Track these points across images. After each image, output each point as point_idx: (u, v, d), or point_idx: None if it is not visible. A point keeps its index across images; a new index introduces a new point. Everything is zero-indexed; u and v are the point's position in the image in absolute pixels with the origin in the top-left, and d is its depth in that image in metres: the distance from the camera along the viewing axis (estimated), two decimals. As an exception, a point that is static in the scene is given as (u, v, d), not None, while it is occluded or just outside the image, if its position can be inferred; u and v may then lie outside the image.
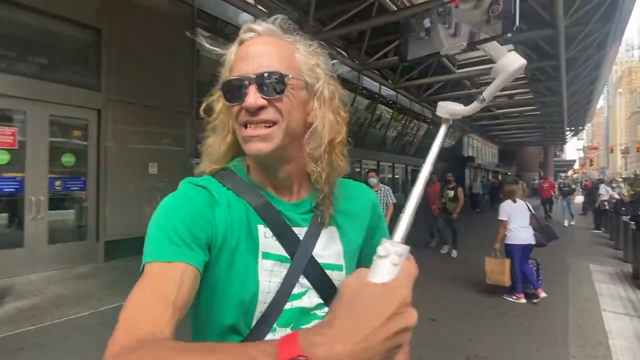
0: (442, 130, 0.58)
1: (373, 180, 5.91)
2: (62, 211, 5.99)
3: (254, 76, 0.67)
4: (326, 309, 0.73)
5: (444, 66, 12.72)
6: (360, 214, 0.87)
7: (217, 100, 0.78)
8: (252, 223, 0.73)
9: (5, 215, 5.32)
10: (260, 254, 0.72)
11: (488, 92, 0.58)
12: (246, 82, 0.68)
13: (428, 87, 15.64)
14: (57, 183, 5.73)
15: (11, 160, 5.24)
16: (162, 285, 0.59)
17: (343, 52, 12.06)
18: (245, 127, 0.70)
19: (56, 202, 5.77)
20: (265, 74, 0.67)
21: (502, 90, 15.86)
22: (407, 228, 0.49)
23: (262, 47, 0.70)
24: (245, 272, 0.70)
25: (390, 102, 16.14)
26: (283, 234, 0.73)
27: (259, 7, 8.79)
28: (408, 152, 20.00)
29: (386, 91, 15.33)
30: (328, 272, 0.75)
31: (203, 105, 0.80)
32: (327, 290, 0.74)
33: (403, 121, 18.21)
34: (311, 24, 9.22)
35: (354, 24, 9.21)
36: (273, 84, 0.68)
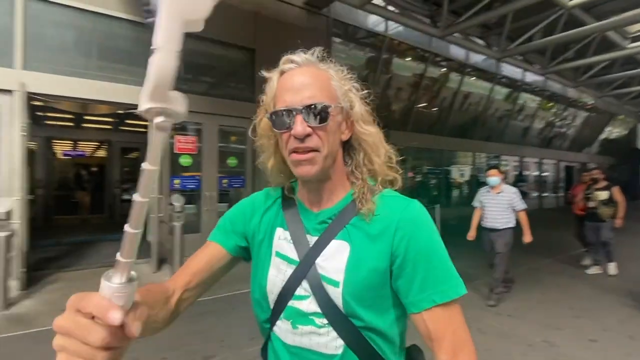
0: (159, 138, 0.42)
1: (494, 179, 4.60)
2: (227, 204, 7.23)
3: (301, 108, 0.75)
4: (324, 320, 0.77)
5: (610, 41, 10.56)
6: (381, 235, 0.78)
7: (259, 124, 0.87)
8: (275, 226, 0.88)
9: (189, 206, 6.71)
10: (274, 252, 0.86)
11: (161, 39, 0.39)
12: (294, 113, 0.76)
13: (588, 68, 13.21)
14: (224, 181, 6.97)
15: (192, 162, 6.60)
16: (194, 256, 0.91)
17: (479, 41, 11.19)
18: (295, 153, 0.78)
19: (222, 196, 7.02)
20: (312, 106, 0.75)
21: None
22: (126, 267, 0.45)
23: (304, 79, 0.78)
24: (264, 263, 0.86)
25: (537, 89, 14.22)
26: (297, 239, 0.83)
27: (390, 7, 8.87)
28: (560, 145, 17.27)
29: (531, 77, 13.58)
30: (324, 283, 0.77)
31: (250, 127, 0.89)
32: (323, 300, 0.77)
33: (553, 110, 15.81)
34: (445, 17, 8.86)
35: (492, 9, 8.47)
36: (318, 114, 0.75)
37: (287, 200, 0.90)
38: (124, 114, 8.68)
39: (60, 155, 12.13)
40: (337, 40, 8.70)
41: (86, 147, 14.26)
